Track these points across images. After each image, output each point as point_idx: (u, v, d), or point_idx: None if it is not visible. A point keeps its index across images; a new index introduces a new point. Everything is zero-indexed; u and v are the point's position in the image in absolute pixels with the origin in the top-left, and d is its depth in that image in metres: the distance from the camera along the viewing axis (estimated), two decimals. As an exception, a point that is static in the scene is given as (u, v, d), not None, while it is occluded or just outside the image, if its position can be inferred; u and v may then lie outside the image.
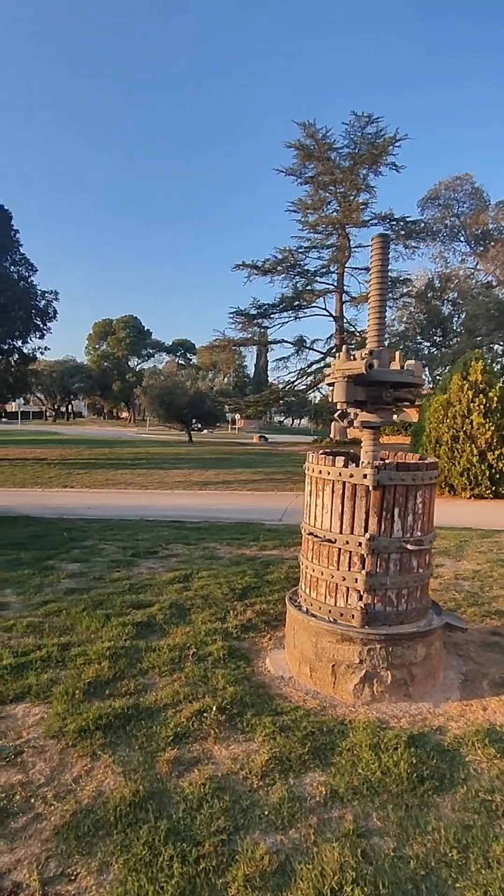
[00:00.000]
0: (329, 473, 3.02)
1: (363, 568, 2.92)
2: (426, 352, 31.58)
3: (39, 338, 18.91)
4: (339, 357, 3.07)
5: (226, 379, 59.80)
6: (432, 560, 3.35)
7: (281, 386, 31.91)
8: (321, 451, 3.31)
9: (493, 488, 11.05)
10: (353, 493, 2.94)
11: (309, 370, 30.70)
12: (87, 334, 74.86)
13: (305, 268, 30.30)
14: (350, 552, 2.95)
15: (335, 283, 30.42)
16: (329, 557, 3.04)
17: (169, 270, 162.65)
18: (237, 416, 46.69)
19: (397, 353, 3.14)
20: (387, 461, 3.04)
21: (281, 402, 32.90)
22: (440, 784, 2.18)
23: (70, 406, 79.48)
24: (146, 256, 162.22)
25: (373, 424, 3.20)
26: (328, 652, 2.98)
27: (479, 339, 26.42)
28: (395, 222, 29.14)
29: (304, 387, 31.23)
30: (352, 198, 29.05)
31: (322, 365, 30.46)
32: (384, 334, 3.21)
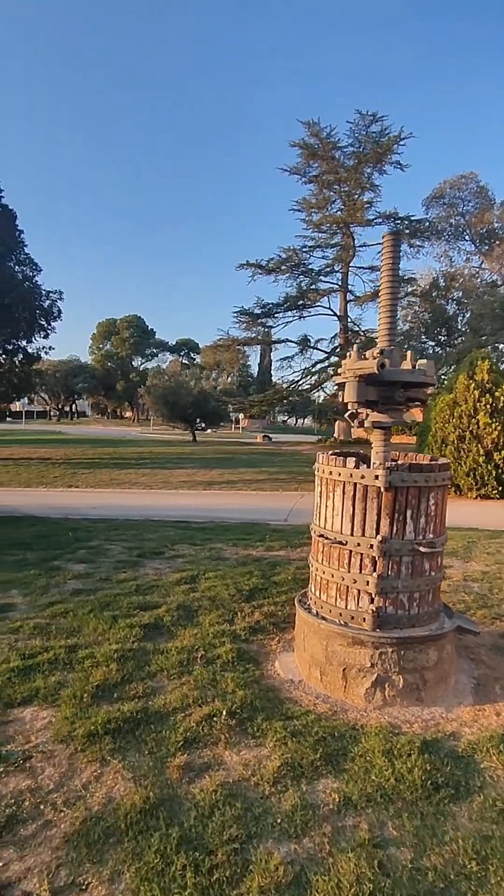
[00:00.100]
0: (340, 474, 2.98)
1: (374, 570, 2.88)
2: (431, 351, 31.45)
3: (44, 337, 18.94)
4: (350, 356, 3.03)
5: (229, 378, 59.81)
6: (443, 563, 3.31)
7: (285, 385, 31.83)
8: (331, 452, 3.27)
9: (500, 488, 10.98)
10: (365, 495, 2.89)
11: (313, 370, 30.61)
12: (91, 334, 74.94)
13: (310, 267, 30.22)
14: (361, 554, 2.91)
15: (339, 283, 30.35)
16: (340, 560, 3.00)
17: (172, 270, 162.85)
18: (241, 416, 46.68)
19: (409, 353, 3.10)
20: (399, 462, 3.00)
21: (285, 401, 32.83)
22: (456, 792, 2.14)
23: (74, 406, 79.65)
24: (150, 256, 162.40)
25: (384, 425, 3.16)
26: (339, 655, 2.94)
27: (483, 338, 26.30)
28: (399, 221, 29.01)
29: (308, 386, 31.16)
30: (356, 197, 28.95)
31: (326, 365, 30.38)
32: (395, 333, 3.17)
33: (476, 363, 11.65)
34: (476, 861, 1.79)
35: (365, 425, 3.21)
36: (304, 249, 29.87)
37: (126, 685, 2.99)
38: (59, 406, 76.01)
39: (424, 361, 3.02)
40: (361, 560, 2.91)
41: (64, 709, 2.73)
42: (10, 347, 18.27)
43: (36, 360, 19.78)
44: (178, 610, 4.10)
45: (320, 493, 3.19)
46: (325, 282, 30.53)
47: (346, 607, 2.98)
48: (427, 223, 31.10)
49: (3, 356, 18.26)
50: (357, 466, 2.93)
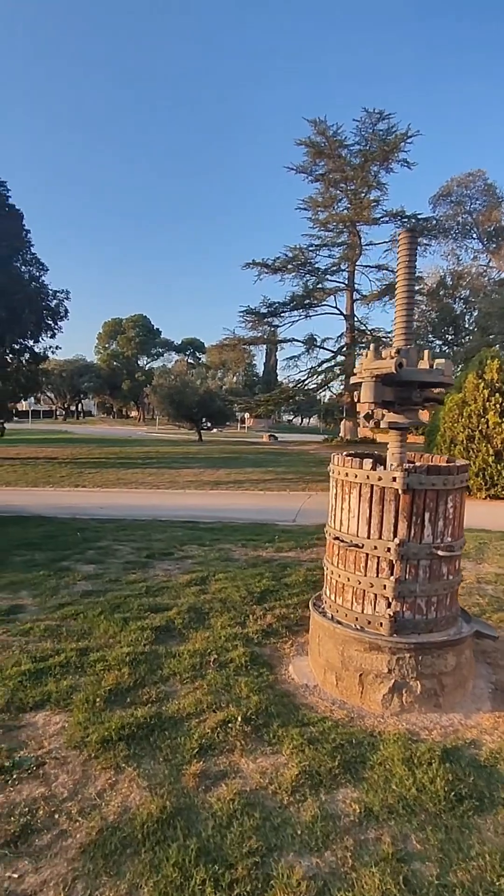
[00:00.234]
0: (356, 476, 2.92)
1: (392, 574, 2.83)
2: (438, 350, 31.28)
3: (51, 337, 18.90)
4: (366, 356, 2.97)
5: (235, 378, 59.77)
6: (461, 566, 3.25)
7: (291, 385, 31.74)
8: (345, 453, 3.22)
9: (510, 489, 10.87)
10: (382, 497, 2.84)
11: (319, 369, 30.51)
12: (97, 333, 75.10)
13: (316, 266, 30.10)
14: (378, 558, 2.86)
15: (346, 282, 30.21)
16: (356, 563, 2.94)
17: (178, 269, 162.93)
18: (246, 416, 46.64)
19: (426, 352, 3.05)
20: (416, 464, 2.94)
21: (291, 401, 32.74)
22: (480, 804, 2.08)
23: (80, 405, 79.81)
24: (155, 256, 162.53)
25: (400, 426, 3.10)
26: (355, 660, 2.89)
27: (491, 336, 26.13)
28: (406, 219, 28.85)
29: (315, 386, 31.05)
30: (363, 195, 28.82)
31: (332, 364, 30.28)
32: (412, 332, 3.11)
33: (485, 362, 11.54)
34: (504, 877, 1.74)
35: (381, 426, 3.15)
36: (310, 248, 29.77)
37: (139, 689, 2.95)
38: (65, 405, 76.20)
39: (442, 361, 2.96)
40: (378, 563, 2.86)
41: (77, 714, 2.69)
42: (17, 347, 18.26)
43: (43, 360, 19.74)
44: (188, 612, 4.06)
45: (335, 494, 3.14)
46: (331, 281, 30.43)
47: (363, 611, 2.92)
48: (434, 221, 30.94)
49: (11, 356, 18.26)
50: (374, 468, 2.87)
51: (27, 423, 50.66)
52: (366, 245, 29.65)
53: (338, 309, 30.58)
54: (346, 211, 29.33)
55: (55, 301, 18.64)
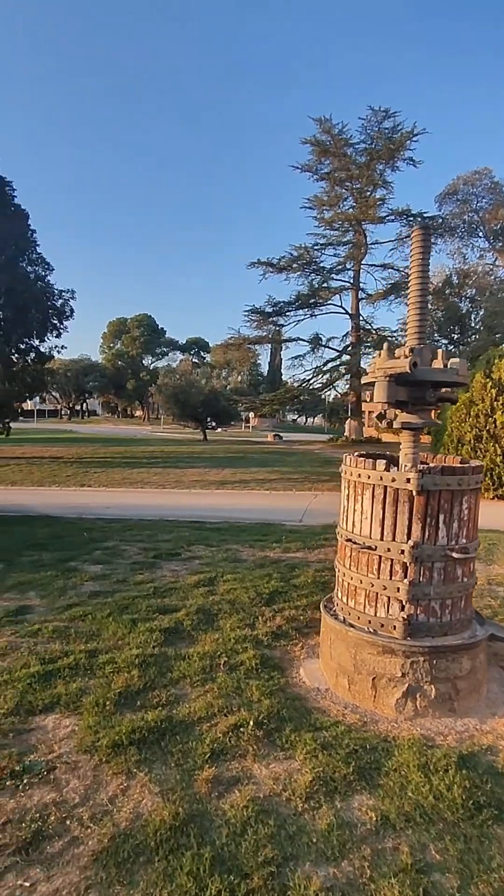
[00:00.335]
0: (369, 477, 2.88)
1: (405, 577, 2.78)
2: (444, 349, 31.16)
3: (56, 337, 18.94)
4: (380, 355, 2.93)
5: (240, 377, 59.72)
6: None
7: (296, 384, 31.68)
8: (357, 454, 3.17)
9: (518, 489, 10.79)
10: (395, 499, 2.79)
11: (324, 368, 30.45)
12: (102, 333, 75.24)
13: (321, 265, 30.08)
14: (392, 560, 2.81)
15: (351, 281, 30.15)
16: (369, 565, 2.90)
17: (183, 269, 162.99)
18: (251, 415, 46.58)
19: (440, 351, 3.00)
20: (431, 465, 2.89)
21: (296, 400, 32.69)
22: (499, 813, 2.04)
23: (85, 404, 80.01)
24: (160, 255, 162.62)
25: (414, 426, 3.06)
26: (368, 664, 2.85)
27: (498, 335, 25.98)
28: (412, 218, 28.75)
29: (320, 385, 30.99)
30: (368, 194, 28.75)
31: (338, 363, 30.20)
32: (426, 331, 3.06)
33: (493, 361, 11.45)
34: (527, 889, 1.70)
35: (394, 426, 3.11)
36: (315, 247, 29.75)
37: (149, 692, 2.92)
38: (70, 405, 76.39)
39: (457, 360, 2.92)
40: (392, 566, 2.82)
41: (87, 717, 2.66)
42: (22, 347, 18.31)
43: (48, 360, 19.79)
44: (197, 613, 4.03)
45: (347, 495, 3.09)
46: (336, 280, 30.39)
47: (376, 614, 2.88)
48: (440, 220, 30.80)
49: (17, 355, 18.30)
50: (387, 469, 2.83)
51: (32, 422, 50.81)
52: (371, 244, 29.64)
53: (343, 308, 30.55)
54: (351, 209, 29.26)
55: (60, 301, 18.68)
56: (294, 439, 34.56)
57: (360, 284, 30.19)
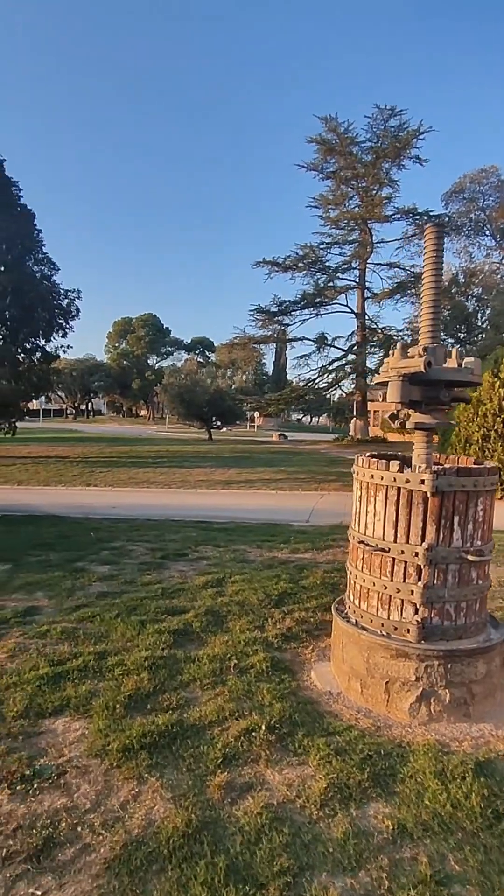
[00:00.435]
0: (382, 478, 2.83)
1: (419, 579, 2.74)
2: (450, 349, 31.00)
3: (62, 336, 18.97)
4: (393, 354, 2.88)
5: (244, 377, 59.69)
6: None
7: (302, 384, 31.61)
8: (369, 454, 3.13)
9: (527, 489, 10.69)
10: (409, 500, 2.75)
11: (330, 368, 30.35)
12: (107, 332, 75.44)
13: (327, 264, 29.97)
14: (405, 562, 2.77)
15: (357, 280, 30.04)
16: (382, 567, 2.86)
17: (187, 268, 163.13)
18: (256, 414, 46.55)
19: (454, 350, 2.96)
20: (446, 466, 2.85)
21: (301, 400, 32.61)
22: (519, 822, 1.99)
23: (90, 404, 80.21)
24: (165, 254, 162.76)
25: (427, 426, 3.01)
26: (381, 668, 2.81)
27: (504, 335, 25.82)
28: (418, 217, 28.61)
29: (325, 384, 30.89)
30: (374, 192, 28.63)
31: (343, 363, 30.11)
32: (440, 330, 3.02)
33: (501, 360, 11.37)
34: (550, 902, 1.65)
35: (406, 426, 3.06)
36: (321, 246, 29.66)
37: (159, 695, 2.89)
38: (76, 404, 76.62)
39: (471, 359, 2.87)
40: (405, 568, 2.77)
41: (97, 720, 2.63)
42: (29, 346, 18.35)
43: (54, 359, 19.82)
44: (206, 615, 3.99)
45: (360, 497, 3.05)
46: (342, 279, 30.29)
47: (389, 617, 2.84)
48: (447, 218, 30.62)
49: (23, 355, 18.34)
50: (401, 470, 2.79)
51: (38, 421, 50.97)
52: (377, 243, 29.51)
53: (349, 307, 30.46)
54: (357, 208, 29.16)
55: (66, 300, 18.71)
56: (299, 439, 34.50)
57: (366, 283, 30.11)
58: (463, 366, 2.85)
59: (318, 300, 29.86)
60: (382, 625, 2.86)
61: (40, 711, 2.72)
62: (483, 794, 2.11)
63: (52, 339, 18.79)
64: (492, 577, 5.12)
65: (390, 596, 2.83)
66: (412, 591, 2.74)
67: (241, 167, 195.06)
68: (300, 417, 72.96)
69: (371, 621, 2.92)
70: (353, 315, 30.39)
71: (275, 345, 36.32)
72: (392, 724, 2.70)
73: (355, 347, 29.88)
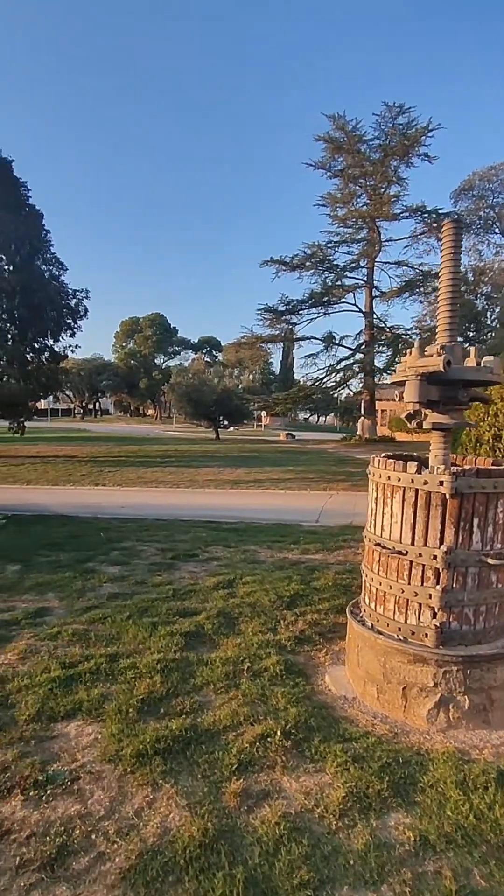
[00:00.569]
0: (399, 480, 2.78)
1: (438, 583, 2.68)
2: (468, 347, 30.76)
3: (70, 336, 19.03)
4: (410, 353, 2.83)
5: (251, 376, 59.64)
6: None
7: (309, 383, 31.50)
8: (384, 455, 3.07)
9: (539, 489, 10.57)
10: (428, 502, 2.69)
11: (338, 367, 30.22)
12: (115, 332, 75.61)
13: (335, 263, 29.83)
14: (423, 565, 2.71)
15: (365, 278, 29.88)
16: (399, 571, 2.80)
17: (194, 268, 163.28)
18: (263, 414, 46.47)
19: (472, 349, 2.90)
20: (465, 467, 2.78)
21: (308, 399, 32.50)
22: (545, 834, 1.93)
23: (97, 403, 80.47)
24: (172, 254, 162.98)
25: (445, 426, 2.95)
26: (398, 673, 2.75)
27: (514, 333, 25.58)
28: (427, 215, 28.40)
29: (333, 384, 30.77)
30: (382, 190, 28.45)
31: (351, 362, 29.97)
32: (458, 328, 2.95)
33: (513, 359, 11.24)
34: None
35: (423, 426, 3.00)
36: (328, 245, 29.53)
37: (172, 699, 2.85)
38: (84, 404, 76.90)
39: (491, 358, 2.81)
40: (423, 571, 2.72)
41: (109, 724, 2.60)
42: (37, 346, 18.41)
43: (63, 359, 19.89)
44: (218, 617, 3.95)
45: (375, 498, 2.99)
46: (350, 278, 30.14)
47: (406, 622, 2.78)
48: (455, 216, 30.39)
49: (32, 354, 18.40)
50: (419, 471, 2.73)
51: (46, 421, 51.20)
52: (385, 241, 29.33)
53: (357, 306, 30.32)
54: (365, 207, 28.99)
55: (74, 300, 18.75)
56: (307, 438, 34.38)
57: (374, 282, 29.91)
58: (482, 364, 2.78)
59: (325, 299, 29.73)
60: (399, 629, 2.80)
61: (52, 715, 2.69)
62: (507, 805, 2.06)
63: (60, 338, 18.86)
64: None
65: (408, 599, 2.77)
66: (430, 595, 2.68)
67: (244, 166, 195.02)
68: (307, 417, 72.80)
69: (387, 625, 2.86)
70: (361, 314, 30.26)
71: (282, 344, 36.27)
72: (410, 731, 2.65)
73: (363, 346, 29.74)
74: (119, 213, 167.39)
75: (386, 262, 29.93)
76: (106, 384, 71.82)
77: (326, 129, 28.24)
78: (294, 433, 36.31)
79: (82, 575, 5.00)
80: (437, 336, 2.98)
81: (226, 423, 33.42)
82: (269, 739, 2.49)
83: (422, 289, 29.20)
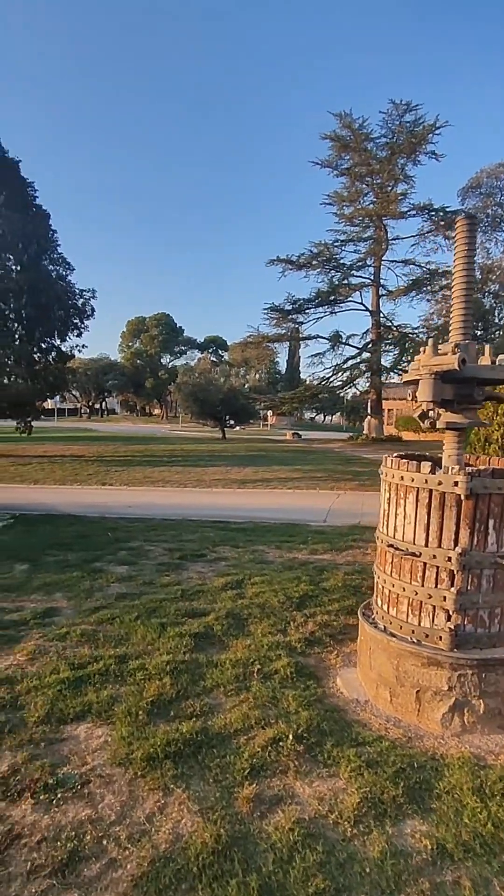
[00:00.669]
0: (413, 480, 2.73)
1: (452, 585, 2.63)
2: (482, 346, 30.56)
3: (77, 336, 19.04)
4: (424, 352, 2.78)
5: (258, 376, 59.59)
6: None
7: (316, 382, 31.41)
8: (396, 454, 3.03)
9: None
10: (442, 503, 2.65)
11: (344, 366, 30.11)
12: (121, 332, 75.86)
13: (341, 261, 29.71)
14: (437, 567, 2.67)
15: (372, 277, 29.73)
16: (412, 572, 2.76)
17: (200, 267, 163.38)
18: (269, 413, 46.43)
19: (487, 347, 2.85)
20: (479, 467, 2.74)
21: (315, 398, 32.40)
22: None
23: (104, 403, 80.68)
24: (178, 253, 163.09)
25: (459, 426, 2.91)
26: (412, 676, 2.71)
27: (523, 332, 25.39)
28: (434, 213, 28.20)
29: (340, 383, 30.65)
30: (389, 189, 28.30)
31: (358, 361, 29.85)
32: (471, 326, 2.90)
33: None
34: None
35: (437, 426, 2.95)
36: (335, 244, 29.41)
37: (182, 701, 2.82)
38: (90, 403, 77.13)
39: (506, 356, 2.76)
40: (437, 573, 2.67)
41: (119, 727, 2.57)
42: (44, 346, 18.45)
43: (70, 359, 19.92)
44: (227, 618, 3.92)
45: (388, 499, 2.95)
46: (356, 276, 29.99)
47: (420, 624, 2.74)
48: (469, 212, 30.19)
49: (39, 354, 18.45)
50: (433, 471, 2.68)
51: (53, 420, 51.38)
52: (392, 239, 29.18)
53: (363, 305, 30.16)
54: (372, 205, 28.86)
55: (81, 300, 18.76)
56: (313, 437, 34.29)
57: (381, 281, 29.76)
58: (497, 363, 2.73)
59: (332, 298, 29.62)
60: (413, 631, 2.76)
61: (62, 717, 2.67)
62: (525, 813, 2.01)
63: (67, 338, 18.88)
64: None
65: (421, 602, 2.73)
66: (445, 597, 2.64)
67: (261, 164, 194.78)
68: (313, 416, 72.68)
69: (401, 627, 2.82)
70: (367, 313, 30.10)
71: (288, 343, 36.15)
72: (424, 735, 2.61)
73: (370, 345, 29.60)
74: (128, 210, 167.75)
75: (393, 261, 29.80)
76: (112, 384, 71.99)
77: (333, 128, 28.16)
78: (300, 432, 36.25)
79: (90, 575, 4.99)
80: (450, 334, 2.93)
81: (232, 422, 33.39)
82: (281, 743, 2.46)
83: (429, 287, 29.04)
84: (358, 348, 30.43)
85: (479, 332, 31.74)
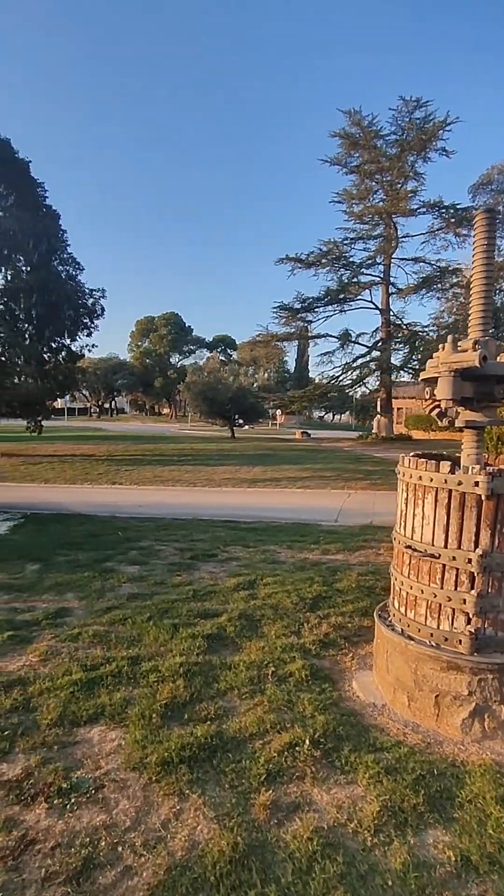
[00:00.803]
0: (432, 480, 2.67)
1: (472, 587, 2.57)
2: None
3: (87, 335, 19.08)
4: (443, 349, 2.72)
5: (267, 375, 59.52)
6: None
7: (325, 381, 31.28)
8: (414, 454, 2.97)
9: None
10: (462, 503, 2.58)
11: (354, 365, 29.96)
12: (130, 332, 76.10)
13: (351, 260, 29.57)
14: (457, 569, 2.60)
15: (381, 275, 29.54)
16: (431, 574, 2.70)
17: (209, 266, 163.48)
18: (278, 412, 46.34)
19: (508, 343, 2.78)
20: (500, 467, 2.67)
21: (324, 397, 32.27)
22: None
23: (113, 402, 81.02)
24: (187, 253, 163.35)
25: (478, 424, 2.84)
26: (431, 680, 2.65)
27: (535, 330, 25.10)
28: (444, 210, 27.97)
29: (349, 382, 30.50)
30: (399, 186, 28.10)
31: (368, 359, 29.68)
32: (491, 322, 2.84)
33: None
34: None
35: (456, 424, 2.89)
36: (345, 242, 29.28)
37: (196, 704, 2.78)
38: (99, 403, 77.49)
39: (528, 353, 2.69)
40: (457, 575, 2.61)
41: (133, 730, 2.54)
42: (54, 345, 18.51)
43: (79, 358, 19.97)
44: (240, 619, 3.88)
45: (406, 499, 2.89)
46: (366, 274, 29.83)
47: (439, 627, 2.68)
48: (474, 211, 29.92)
49: (49, 354, 18.51)
50: (452, 471, 2.62)
51: (63, 420, 51.64)
52: (402, 237, 28.98)
53: (373, 303, 30.00)
54: (381, 203, 28.69)
55: (91, 300, 18.79)
56: (322, 436, 34.17)
57: (391, 279, 29.57)
58: (518, 360, 2.66)
59: (341, 296, 29.48)
60: (431, 635, 2.70)
61: (75, 720, 2.64)
62: (552, 824, 1.95)
63: (77, 337, 18.91)
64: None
65: (440, 604, 2.66)
66: (464, 600, 2.57)
67: (270, 163, 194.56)
68: (322, 415, 72.46)
69: (419, 630, 2.76)
70: (377, 311, 29.93)
71: (298, 342, 36.03)
72: (443, 741, 2.55)
73: (380, 344, 29.42)
74: (136, 210, 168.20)
75: (403, 259, 29.59)
76: (122, 383, 72.30)
77: (342, 125, 28.03)
78: (309, 431, 36.11)
79: (101, 575, 4.97)
80: (469, 330, 2.87)
81: (241, 421, 33.35)
82: (297, 748, 2.41)
83: (439, 285, 28.82)
84: (367, 347, 30.27)
85: (490, 331, 31.43)
